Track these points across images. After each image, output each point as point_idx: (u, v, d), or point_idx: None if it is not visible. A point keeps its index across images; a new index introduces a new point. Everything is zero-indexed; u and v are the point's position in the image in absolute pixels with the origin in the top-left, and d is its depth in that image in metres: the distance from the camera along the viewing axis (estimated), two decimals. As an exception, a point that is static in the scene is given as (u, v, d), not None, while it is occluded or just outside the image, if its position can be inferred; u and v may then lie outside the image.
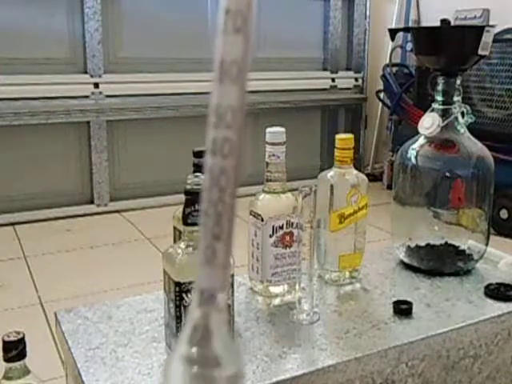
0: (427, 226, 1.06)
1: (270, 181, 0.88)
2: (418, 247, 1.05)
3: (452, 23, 1.22)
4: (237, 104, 0.25)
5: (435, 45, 1.02)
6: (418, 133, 1.03)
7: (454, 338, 0.82)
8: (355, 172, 0.94)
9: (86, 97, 2.76)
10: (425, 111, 1.04)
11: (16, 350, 0.64)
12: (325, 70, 3.47)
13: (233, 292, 0.69)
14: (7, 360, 0.64)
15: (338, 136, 0.93)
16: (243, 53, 0.25)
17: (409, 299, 0.88)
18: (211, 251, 0.27)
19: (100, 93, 2.78)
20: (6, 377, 0.64)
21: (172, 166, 2.92)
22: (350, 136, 0.93)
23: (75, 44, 2.75)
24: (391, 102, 3.08)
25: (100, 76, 2.78)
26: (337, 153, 0.94)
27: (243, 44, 0.25)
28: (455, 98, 1.00)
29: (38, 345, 1.08)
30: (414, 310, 0.86)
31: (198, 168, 0.82)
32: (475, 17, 2.84)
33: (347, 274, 0.97)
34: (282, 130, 0.87)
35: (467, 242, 1.05)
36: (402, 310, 0.85)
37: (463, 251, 1.04)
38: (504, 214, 2.43)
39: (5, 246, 2.36)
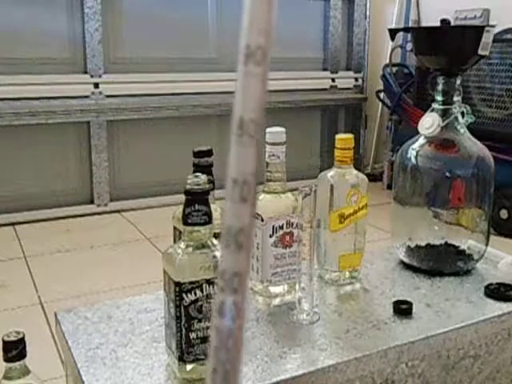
0: (427, 226, 1.06)
1: (270, 181, 0.88)
2: (417, 247, 1.05)
3: (452, 23, 1.22)
4: (243, 270, 0.27)
5: (435, 45, 1.02)
6: (417, 133, 1.03)
7: (454, 338, 0.82)
8: (355, 172, 0.94)
9: (86, 97, 2.76)
10: (425, 111, 1.04)
11: (16, 350, 0.64)
12: (325, 69, 3.47)
13: (233, 292, 0.69)
14: (7, 360, 0.64)
15: (337, 136, 0.93)
16: (249, 221, 0.27)
17: (409, 299, 0.88)
18: None
19: (100, 93, 2.78)
20: (6, 377, 0.64)
21: (172, 166, 2.92)
22: (350, 136, 0.93)
23: (75, 44, 2.75)
24: (391, 102, 3.08)
25: (100, 76, 2.78)
26: (337, 153, 0.94)
27: (249, 212, 0.27)
28: (455, 98, 1.00)
29: (38, 345, 1.08)
30: (414, 310, 0.86)
31: (198, 168, 0.82)
32: (475, 17, 2.84)
33: (347, 274, 0.97)
34: (282, 130, 0.87)
35: (467, 242, 1.05)
36: (402, 309, 0.85)
37: (463, 251, 1.04)
38: (504, 214, 2.43)
39: (5, 246, 2.36)
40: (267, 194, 0.88)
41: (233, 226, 0.27)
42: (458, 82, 1.00)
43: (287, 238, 0.87)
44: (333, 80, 3.46)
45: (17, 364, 0.65)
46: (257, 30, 0.27)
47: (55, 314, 0.86)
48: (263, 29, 0.26)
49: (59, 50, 2.73)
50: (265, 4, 0.26)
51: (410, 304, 0.86)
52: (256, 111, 0.28)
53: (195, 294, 0.66)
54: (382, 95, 3.24)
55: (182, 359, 0.68)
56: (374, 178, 3.29)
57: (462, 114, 1.01)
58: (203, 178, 0.68)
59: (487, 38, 0.98)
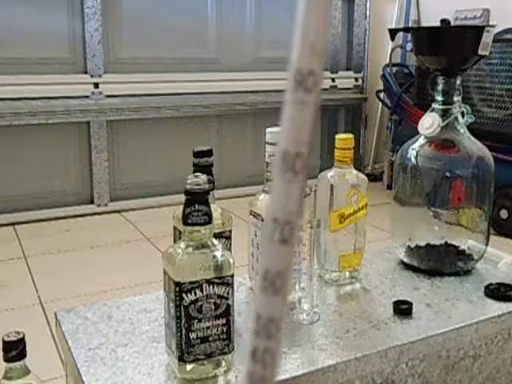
0: (427, 226, 1.06)
1: (270, 181, 0.88)
2: (417, 247, 1.05)
3: (452, 23, 1.22)
4: (278, 315, 0.26)
5: (435, 45, 1.02)
6: (417, 133, 1.03)
7: (454, 338, 0.82)
8: (355, 172, 0.94)
9: (86, 97, 2.76)
10: (425, 111, 1.04)
11: (16, 350, 0.64)
12: (325, 69, 3.47)
13: (233, 292, 0.69)
14: (7, 360, 0.64)
15: (337, 136, 0.93)
16: (289, 264, 0.26)
17: (409, 299, 0.88)
18: None
19: (100, 93, 2.78)
20: (6, 377, 0.64)
21: (172, 166, 2.92)
22: (350, 136, 0.93)
23: (75, 44, 2.75)
24: (391, 102, 3.08)
25: (100, 76, 2.78)
26: (337, 153, 0.94)
27: (289, 255, 0.26)
28: (455, 98, 1.00)
29: (38, 345, 1.08)
30: (413, 310, 0.86)
31: (198, 168, 0.81)
32: (475, 17, 2.83)
33: (347, 273, 0.97)
34: (282, 130, 0.87)
35: (467, 242, 1.05)
36: (402, 309, 0.85)
37: (463, 251, 1.04)
38: (504, 214, 2.43)
39: (5, 246, 2.36)
40: (267, 194, 0.88)
41: (271, 270, 0.26)
42: (458, 82, 1.00)
43: (287, 238, 0.87)
44: (333, 80, 3.46)
45: (17, 364, 0.65)
46: (309, 51, 0.24)
47: (55, 314, 0.86)
48: (317, 50, 0.24)
49: (59, 50, 2.73)
50: (320, 19, 0.23)
51: (410, 304, 0.86)
52: (304, 144, 0.26)
53: (195, 293, 0.66)
54: (382, 95, 3.24)
55: (182, 359, 0.68)
56: (374, 177, 3.29)
57: (462, 114, 1.01)
58: (203, 177, 0.68)
59: (487, 37, 0.98)
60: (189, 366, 0.69)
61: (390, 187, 2.90)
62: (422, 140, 1.03)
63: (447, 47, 1.01)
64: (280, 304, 0.26)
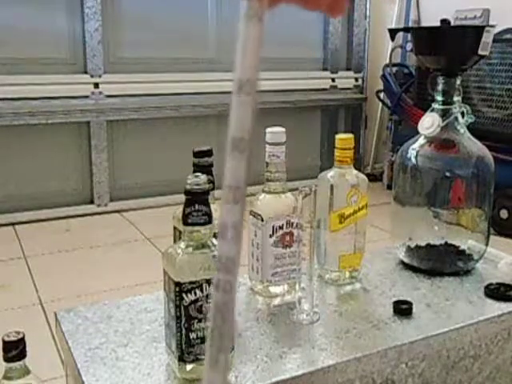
0: (427, 226, 1.06)
1: (270, 181, 0.88)
2: (417, 247, 1.05)
3: (452, 23, 1.22)
4: (234, 255, 0.34)
5: (435, 45, 1.02)
6: (417, 133, 1.03)
7: (454, 337, 0.82)
8: (355, 172, 0.94)
9: (86, 97, 2.76)
10: (425, 111, 1.04)
11: (16, 350, 0.64)
12: (325, 70, 3.47)
13: (233, 292, 0.69)
14: (7, 360, 0.64)
15: (338, 136, 0.93)
16: (240, 217, 0.34)
17: (409, 299, 0.88)
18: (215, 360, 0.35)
19: (100, 93, 2.78)
20: (6, 377, 0.64)
21: (172, 166, 2.92)
22: (350, 136, 0.93)
23: (75, 44, 2.75)
24: (391, 102, 3.08)
25: (100, 76, 2.78)
26: (337, 153, 0.94)
27: (240, 211, 0.34)
28: (455, 98, 1.00)
29: (38, 345, 1.08)
30: (413, 310, 0.86)
31: (198, 168, 0.81)
32: (475, 17, 2.83)
33: (347, 273, 0.97)
34: (282, 130, 0.87)
35: (467, 242, 1.05)
36: (402, 309, 0.85)
37: (463, 251, 1.04)
38: (504, 213, 2.43)
39: (5, 246, 2.36)
40: (267, 194, 0.88)
41: (226, 222, 0.34)
42: (458, 82, 1.00)
43: (287, 237, 0.87)
44: (333, 80, 3.46)
45: (17, 364, 0.65)
46: (248, 66, 0.34)
47: (55, 314, 0.86)
48: (252, 65, 0.34)
49: (59, 49, 2.73)
50: (255, 46, 0.34)
51: (410, 304, 0.86)
52: (246, 132, 0.38)
53: (195, 293, 0.66)
54: (382, 95, 3.24)
55: (182, 359, 0.68)
56: (374, 177, 3.29)
57: (462, 113, 1.01)
58: (203, 177, 0.68)
59: (487, 37, 0.98)
60: (189, 366, 0.69)
61: (390, 187, 2.89)
62: (421, 140, 1.03)
63: (447, 47, 1.01)
64: (236, 247, 0.34)
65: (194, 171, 0.79)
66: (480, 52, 0.98)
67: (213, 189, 0.82)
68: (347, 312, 0.87)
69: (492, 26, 0.99)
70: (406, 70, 3.15)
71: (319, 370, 0.72)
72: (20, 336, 0.65)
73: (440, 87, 1.01)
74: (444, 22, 1.11)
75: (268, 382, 0.69)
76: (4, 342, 0.65)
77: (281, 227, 0.86)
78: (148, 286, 1.81)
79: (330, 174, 0.94)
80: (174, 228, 0.86)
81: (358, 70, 3.56)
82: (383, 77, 3.09)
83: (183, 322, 0.67)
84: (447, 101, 1.00)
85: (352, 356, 0.74)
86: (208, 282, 0.67)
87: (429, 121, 1.00)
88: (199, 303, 0.67)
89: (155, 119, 2.94)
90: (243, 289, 0.93)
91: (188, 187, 0.67)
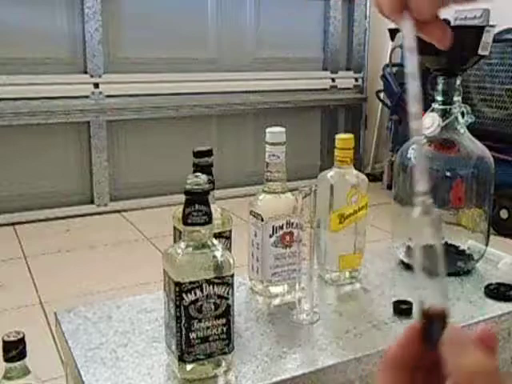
0: (427, 226, 1.06)
1: (270, 181, 0.88)
2: (418, 247, 1.05)
3: (452, 23, 1.21)
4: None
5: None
6: (418, 133, 1.03)
7: (454, 338, 0.82)
8: (355, 172, 0.94)
9: (86, 97, 2.76)
10: (425, 111, 1.04)
11: (16, 350, 0.64)
12: (325, 70, 3.47)
13: (233, 292, 0.69)
14: (7, 360, 0.64)
15: (338, 136, 0.93)
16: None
17: (409, 299, 0.88)
18: None
19: (100, 93, 2.78)
20: (6, 377, 0.64)
21: (172, 166, 2.92)
22: (350, 136, 0.93)
23: (75, 44, 2.75)
24: (391, 102, 3.08)
25: (100, 76, 2.78)
26: (337, 153, 0.94)
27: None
28: (455, 98, 1.00)
29: (38, 345, 1.08)
30: (414, 310, 0.86)
31: (197, 168, 0.81)
32: (475, 17, 2.83)
33: (347, 274, 0.97)
34: (282, 130, 0.87)
35: (467, 242, 1.05)
36: (402, 309, 0.85)
37: (463, 251, 1.04)
38: (504, 213, 2.43)
39: (5, 246, 2.36)
40: (267, 194, 0.88)
41: None
42: (458, 82, 1.00)
43: (287, 237, 0.87)
44: (333, 80, 3.46)
45: (17, 364, 0.65)
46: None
47: (55, 314, 0.86)
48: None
49: (59, 50, 2.73)
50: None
51: (410, 304, 0.86)
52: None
53: (195, 293, 0.66)
54: (382, 95, 3.24)
55: (182, 359, 0.68)
56: (374, 177, 3.29)
57: (462, 113, 1.01)
58: (203, 177, 0.68)
59: (487, 37, 0.98)
60: (189, 366, 0.69)
61: (390, 187, 2.89)
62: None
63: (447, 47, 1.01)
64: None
65: (194, 171, 0.79)
66: (480, 52, 0.98)
67: (213, 189, 0.82)
68: (347, 312, 0.87)
69: (492, 26, 0.99)
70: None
71: (319, 370, 0.72)
72: (20, 336, 0.65)
73: (440, 87, 1.01)
74: (444, 22, 1.11)
75: (268, 382, 0.69)
76: (4, 342, 0.64)
77: (281, 227, 0.86)
78: (148, 286, 1.81)
79: (330, 173, 0.94)
80: (174, 228, 0.86)
81: (358, 70, 3.56)
82: (383, 77, 3.09)
83: (183, 322, 0.67)
84: (447, 101, 1.00)
85: (352, 356, 0.74)
86: (208, 281, 0.67)
87: (429, 121, 1.00)
88: (199, 303, 0.67)
89: (155, 119, 2.94)
90: (243, 289, 0.93)
91: (188, 187, 0.67)
